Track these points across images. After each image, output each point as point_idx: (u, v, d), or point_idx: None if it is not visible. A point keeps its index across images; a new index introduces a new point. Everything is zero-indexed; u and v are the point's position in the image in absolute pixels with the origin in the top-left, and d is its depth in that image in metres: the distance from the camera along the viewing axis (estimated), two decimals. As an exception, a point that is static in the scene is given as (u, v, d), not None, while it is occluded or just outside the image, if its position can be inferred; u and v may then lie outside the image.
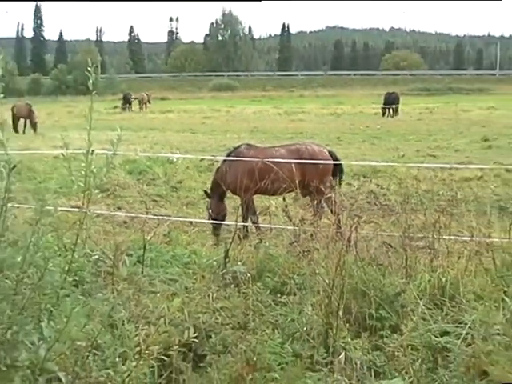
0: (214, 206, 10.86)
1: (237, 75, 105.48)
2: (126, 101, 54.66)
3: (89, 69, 3.59)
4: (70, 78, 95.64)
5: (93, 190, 3.70)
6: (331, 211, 7.93)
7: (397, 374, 4.04)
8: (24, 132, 32.83)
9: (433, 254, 6.20)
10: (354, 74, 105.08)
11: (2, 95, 3.60)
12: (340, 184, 10.14)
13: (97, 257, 5.85)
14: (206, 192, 11.24)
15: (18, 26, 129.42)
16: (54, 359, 3.40)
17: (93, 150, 3.75)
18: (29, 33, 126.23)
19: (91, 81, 3.85)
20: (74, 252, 3.69)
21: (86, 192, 3.69)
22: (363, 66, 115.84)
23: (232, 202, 11.88)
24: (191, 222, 10.57)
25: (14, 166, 3.44)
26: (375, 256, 5.75)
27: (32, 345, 3.39)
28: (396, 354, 4.27)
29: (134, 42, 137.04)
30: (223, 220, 10.68)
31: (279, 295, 5.34)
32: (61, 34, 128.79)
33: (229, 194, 11.11)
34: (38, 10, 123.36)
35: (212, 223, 10.60)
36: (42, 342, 3.39)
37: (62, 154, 3.93)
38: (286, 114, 46.39)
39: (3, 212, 3.46)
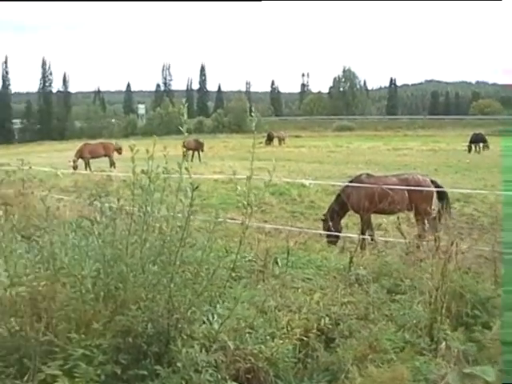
0: (334, 227, 10.85)
1: (354, 118, 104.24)
2: (269, 138, 55.25)
3: (251, 114, 3.73)
4: (226, 120, 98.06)
5: (253, 207, 3.81)
6: (435, 229, 7.76)
7: (487, 363, 3.90)
8: (192, 161, 33.97)
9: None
10: (448, 118, 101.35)
11: (187, 133, 3.81)
12: (447, 208, 9.88)
13: (251, 258, 6.03)
14: (324, 215, 11.28)
15: (188, 80, 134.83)
16: (224, 332, 3.55)
17: (250, 176, 3.87)
18: (196, 85, 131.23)
19: (253, 124, 4.01)
20: (237, 254, 3.81)
21: (246, 208, 3.78)
22: (455, 111, 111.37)
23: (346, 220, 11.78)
24: (321, 234, 10.57)
25: (197, 187, 3.59)
26: (471, 266, 5.68)
27: (208, 320, 3.55)
28: (487, 345, 4.16)
29: (274, 92, 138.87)
30: (338, 237, 10.66)
31: (393, 294, 5.27)
32: (219, 86, 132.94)
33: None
34: (203, 69, 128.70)
35: (332, 235, 10.57)
36: (215, 319, 3.54)
37: (232, 178, 4.05)
38: (393, 150, 45.33)
39: (188, 222, 3.62)
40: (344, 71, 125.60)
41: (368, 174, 11.50)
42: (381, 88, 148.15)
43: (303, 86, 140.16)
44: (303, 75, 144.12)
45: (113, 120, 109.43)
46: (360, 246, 7.77)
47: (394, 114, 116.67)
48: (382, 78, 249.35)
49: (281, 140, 55.66)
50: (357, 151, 44.44)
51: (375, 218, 11.25)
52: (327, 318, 4.21)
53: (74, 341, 3.12)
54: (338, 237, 10.51)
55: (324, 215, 11.25)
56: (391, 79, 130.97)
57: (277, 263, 6.07)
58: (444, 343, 4.15)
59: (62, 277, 3.40)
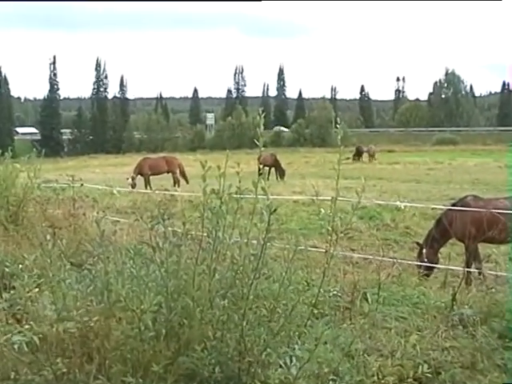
0: (431, 256, 10.63)
1: (458, 130, 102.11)
2: (358, 152, 54.92)
3: (336, 124, 3.72)
4: (308, 132, 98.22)
5: (338, 233, 3.78)
6: None
7: None
8: (268, 179, 34.08)
9: None
10: None
11: (263, 148, 3.83)
12: None
13: (335, 292, 5.97)
14: (418, 243, 11.11)
15: (263, 86, 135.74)
16: (303, 378, 3.51)
17: (336, 197, 3.84)
18: (273, 92, 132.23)
19: (339, 136, 3.98)
20: (320, 288, 3.78)
21: (331, 234, 3.75)
22: None
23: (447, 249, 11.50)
24: (419, 266, 10.35)
25: (275, 210, 3.59)
26: None
27: (284, 364, 3.53)
28: None
29: (364, 99, 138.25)
30: (432, 270, 10.43)
31: (506, 339, 5.08)
32: (300, 92, 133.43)
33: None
34: (281, 72, 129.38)
35: (428, 266, 10.35)
36: (293, 362, 3.50)
37: (314, 200, 4.04)
38: (505, 167, 44.00)
39: (264, 249, 3.63)
40: (446, 75, 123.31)
41: (475, 196, 11.23)
42: (490, 94, 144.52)
43: (398, 92, 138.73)
44: (398, 80, 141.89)
45: (178, 132, 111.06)
46: (465, 281, 7.60)
47: (507, 125, 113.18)
48: (492, 83, 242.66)
49: (371, 155, 55.17)
50: (461, 168, 43.37)
51: (483, 248, 10.96)
52: (425, 366, 4.08)
53: (130, 385, 3.17)
54: (433, 269, 10.31)
55: (418, 243, 11.07)
56: (504, 84, 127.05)
57: (366, 299, 6.00)
58: None
59: (117, 311, 3.46)
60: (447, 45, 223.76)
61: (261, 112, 3.73)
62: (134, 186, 27.25)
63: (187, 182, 29.10)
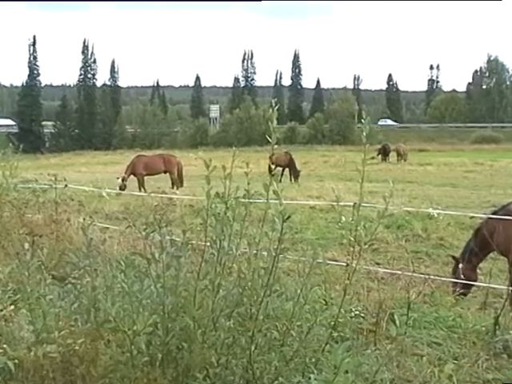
0: (468, 274, 10.57)
1: (502, 126, 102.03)
2: (384, 152, 54.88)
3: (360, 119, 3.71)
4: (326, 127, 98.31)
5: (362, 245, 3.77)
6: None
7: None
8: (281, 180, 34.19)
9: None
10: None
11: (276, 146, 3.83)
12: None
13: (358, 313, 5.97)
14: (453, 257, 11.07)
15: (276, 74, 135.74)
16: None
17: (359, 203, 3.82)
18: (287, 81, 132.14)
19: (364, 133, 3.97)
20: (340, 307, 3.77)
21: (353, 245, 3.74)
22: None
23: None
24: (455, 283, 10.32)
25: (288, 217, 3.59)
26: None
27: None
28: None
29: (392, 90, 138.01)
30: (470, 288, 10.37)
31: (559, 371, 5.05)
32: (318, 82, 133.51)
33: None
34: (296, 58, 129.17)
35: (468, 285, 10.30)
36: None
37: (334, 205, 4.02)
38: (558, 170, 43.92)
39: (275, 262, 3.62)
40: (488, 62, 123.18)
41: (520, 203, 11.15)
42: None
43: (431, 82, 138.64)
44: (432, 68, 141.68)
45: (177, 126, 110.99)
46: (509, 302, 7.55)
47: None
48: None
49: (400, 155, 55.14)
50: (504, 171, 43.26)
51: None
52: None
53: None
54: (471, 287, 10.25)
55: (453, 257, 11.04)
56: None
57: (393, 321, 5.96)
58: None
59: (106, 332, 3.46)
60: (490, 28, 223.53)
61: (274, 103, 3.73)
62: (123, 187, 27.26)
63: (181, 185, 29.06)
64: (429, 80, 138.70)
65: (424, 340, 5.68)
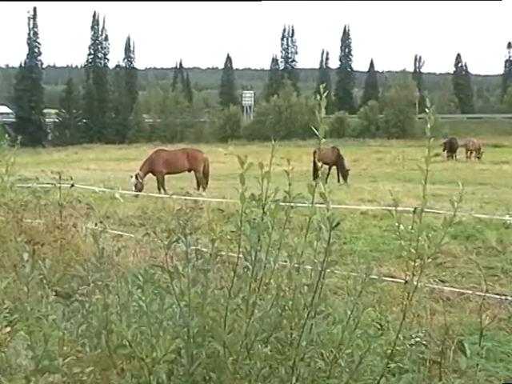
0: None
1: None
2: (451, 147, 54.48)
3: (424, 108, 3.69)
4: (381, 118, 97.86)
5: (424, 258, 3.75)
6: None
7: None
8: (326, 181, 33.94)
9: None
10: None
11: (323, 139, 3.82)
12: None
13: (419, 339, 5.93)
14: None
15: (322, 54, 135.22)
16: None
17: (421, 208, 3.81)
18: (334, 63, 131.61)
19: (428, 125, 3.95)
20: (398, 333, 3.75)
21: (414, 259, 3.73)
22: None
23: None
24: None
25: (337, 224, 3.58)
26: None
27: None
28: None
29: (460, 74, 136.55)
30: None
31: None
32: (371, 64, 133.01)
33: None
34: (346, 36, 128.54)
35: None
36: None
37: (391, 211, 3.99)
38: None
39: (321, 278, 3.61)
40: None
41: None
42: None
43: (509, 64, 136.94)
44: (510, 46, 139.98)
45: (204, 115, 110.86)
46: None
47: None
48: None
49: (470, 151, 54.70)
50: None
51: None
52: None
53: None
54: None
55: None
56: None
57: (462, 350, 5.92)
58: None
59: (119, 360, 3.46)
60: None
61: (322, 89, 3.72)
62: (140, 187, 27.06)
63: (206, 185, 28.72)
64: (506, 61, 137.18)
65: (500, 375, 5.64)
